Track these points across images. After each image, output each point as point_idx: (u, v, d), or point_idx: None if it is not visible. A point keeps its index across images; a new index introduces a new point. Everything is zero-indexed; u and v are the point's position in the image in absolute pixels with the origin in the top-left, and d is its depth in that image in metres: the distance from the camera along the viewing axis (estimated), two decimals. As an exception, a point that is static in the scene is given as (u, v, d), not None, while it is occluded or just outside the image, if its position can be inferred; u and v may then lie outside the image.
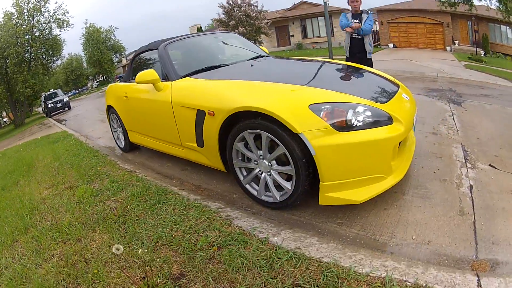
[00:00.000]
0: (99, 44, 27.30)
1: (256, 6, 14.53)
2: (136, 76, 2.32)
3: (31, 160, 4.37)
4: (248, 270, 1.21)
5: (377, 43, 18.12)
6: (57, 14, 16.36)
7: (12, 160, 4.88)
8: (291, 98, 1.62)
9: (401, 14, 16.98)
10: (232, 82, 1.94)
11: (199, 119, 1.98)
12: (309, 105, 1.52)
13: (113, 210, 1.99)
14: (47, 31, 16.22)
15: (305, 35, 20.60)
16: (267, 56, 2.81)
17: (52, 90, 17.17)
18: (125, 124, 3.19)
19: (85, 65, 32.06)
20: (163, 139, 2.57)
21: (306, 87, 1.73)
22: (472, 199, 1.75)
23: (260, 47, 3.19)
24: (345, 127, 1.49)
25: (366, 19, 3.65)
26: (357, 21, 3.64)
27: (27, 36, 15.18)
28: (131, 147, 3.40)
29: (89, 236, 1.71)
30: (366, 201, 1.65)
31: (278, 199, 1.71)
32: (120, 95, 3.09)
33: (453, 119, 3.14)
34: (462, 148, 2.42)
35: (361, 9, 3.69)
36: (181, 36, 2.93)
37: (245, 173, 1.89)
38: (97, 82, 35.69)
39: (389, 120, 1.61)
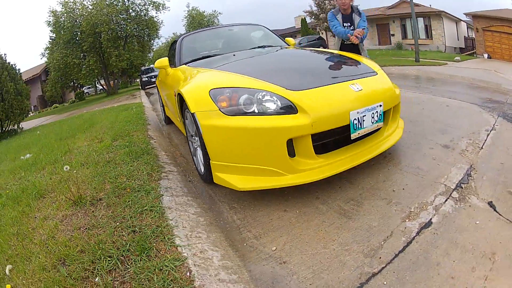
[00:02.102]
0: (201, 27, 31.39)
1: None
2: (155, 62, 3.26)
3: (96, 122, 6.11)
4: (125, 207, 1.84)
5: (472, 51, 19.52)
6: None
7: (83, 120, 6.87)
8: (202, 83, 2.12)
9: (495, 22, 17.48)
10: (196, 69, 2.62)
11: (176, 98, 2.76)
12: (210, 89, 1.93)
13: (107, 158, 2.97)
14: (143, 12, 20.11)
15: (404, 35, 22.64)
16: (273, 47, 3.28)
17: (152, 65, 21.24)
18: (162, 100, 4.37)
19: (189, 45, 37.68)
20: (173, 113, 3.47)
21: (227, 73, 2.16)
22: (409, 243, 1.48)
23: (286, 39, 3.76)
24: (236, 111, 1.80)
25: (359, 21, 3.52)
26: (349, 24, 3.58)
27: (122, 15, 19.28)
28: (169, 120, 4.63)
29: (81, 170, 2.70)
30: (275, 196, 1.92)
31: (202, 172, 2.25)
32: (159, 77, 4.34)
33: (488, 134, 2.91)
34: (467, 170, 2.18)
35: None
36: (201, 29, 3.81)
37: (194, 146, 2.54)
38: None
39: (292, 110, 1.77)
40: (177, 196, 2.05)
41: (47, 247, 1.54)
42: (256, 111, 1.79)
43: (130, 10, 20.36)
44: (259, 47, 3.33)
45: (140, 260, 1.30)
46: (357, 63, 2.51)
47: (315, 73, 2.24)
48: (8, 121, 10.10)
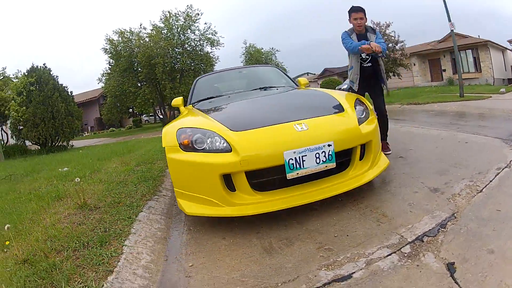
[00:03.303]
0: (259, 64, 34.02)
1: (393, 37, 15.29)
2: (172, 101, 4.20)
3: (135, 149, 7.45)
4: (111, 215, 2.59)
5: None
6: (206, 34, 23.97)
7: (126, 146, 8.33)
8: (177, 123, 2.75)
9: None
10: (192, 110, 3.36)
11: None
12: (178, 129, 2.51)
13: (121, 179, 3.84)
14: (198, 47, 23.62)
15: (455, 70, 24.60)
16: (272, 89, 3.87)
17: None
18: None
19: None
20: None
21: (202, 115, 2.82)
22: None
23: (298, 79, 4.33)
24: (190, 148, 2.35)
25: (376, 39, 3.68)
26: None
27: (178, 49, 23.06)
28: None
29: (98, 185, 3.60)
30: (225, 224, 2.43)
31: None
32: None
33: (497, 173, 2.80)
34: (443, 220, 2.11)
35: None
36: (216, 71, 4.66)
37: None
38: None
39: (228, 148, 2.24)
40: (153, 214, 2.75)
41: (46, 229, 2.37)
42: (207, 148, 2.32)
43: (186, 45, 23.63)
44: (260, 88, 3.95)
45: (95, 248, 2.00)
46: (327, 100, 2.92)
47: (268, 114, 2.66)
48: (58, 137, 12.44)
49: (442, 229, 1.99)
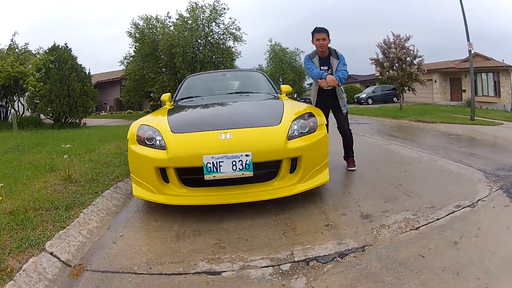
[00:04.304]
0: (282, 63, 34.64)
1: (412, 51, 15.65)
2: (161, 96, 4.93)
3: None
4: (84, 189, 3.40)
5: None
6: (230, 29, 24.98)
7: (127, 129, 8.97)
8: (143, 119, 3.42)
9: None
10: (166, 107, 4.07)
11: None
12: (140, 124, 3.13)
13: (107, 161, 4.66)
14: (221, 41, 24.94)
15: (475, 92, 23.75)
16: (245, 94, 4.38)
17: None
18: None
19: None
20: None
21: (163, 114, 3.45)
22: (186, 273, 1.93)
23: (282, 86, 4.46)
24: (143, 142, 2.96)
25: (338, 65, 3.81)
26: (326, 68, 3.87)
27: (200, 41, 24.14)
28: None
29: (87, 163, 4.44)
30: (165, 210, 3.00)
31: None
32: None
33: (452, 212, 2.56)
34: (348, 250, 2.06)
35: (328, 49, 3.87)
36: (204, 72, 5.42)
37: None
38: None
39: (164, 147, 2.81)
40: (117, 193, 3.55)
41: (33, 193, 3.21)
42: (154, 144, 2.89)
43: (209, 37, 24.72)
44: (236, 92, 4.61)
45: (61, 210, 2.81)
46: (273, 112, 3.23)
47: (209, 120, 3.22)
48: (71, 114, 13.70)
49: (339, 259, 1.95)
